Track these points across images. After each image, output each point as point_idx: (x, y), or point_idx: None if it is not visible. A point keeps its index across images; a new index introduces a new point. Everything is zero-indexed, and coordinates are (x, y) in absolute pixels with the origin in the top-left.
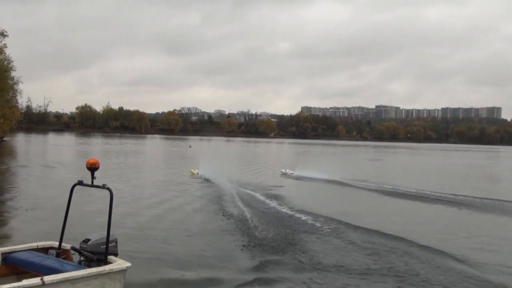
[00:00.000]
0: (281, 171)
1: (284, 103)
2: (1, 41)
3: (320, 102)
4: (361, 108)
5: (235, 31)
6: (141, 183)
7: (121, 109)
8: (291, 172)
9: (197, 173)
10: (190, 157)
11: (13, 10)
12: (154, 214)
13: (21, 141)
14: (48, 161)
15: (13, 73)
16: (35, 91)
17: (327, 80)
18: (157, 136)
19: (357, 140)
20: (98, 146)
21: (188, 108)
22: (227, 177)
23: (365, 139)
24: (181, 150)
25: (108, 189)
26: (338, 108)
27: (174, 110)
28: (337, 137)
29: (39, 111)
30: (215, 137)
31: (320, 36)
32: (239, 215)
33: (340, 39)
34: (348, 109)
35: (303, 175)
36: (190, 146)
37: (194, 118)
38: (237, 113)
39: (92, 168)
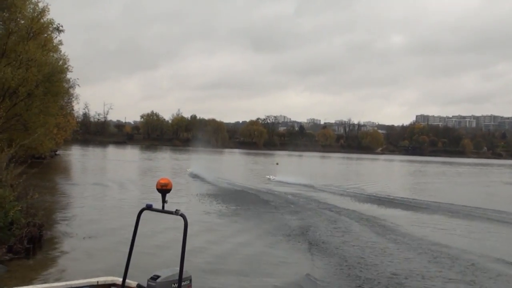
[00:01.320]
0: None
1: (395, 111)
2: (56, 37)
3: (440, 110)
4: (493, 118)
5: (337, 22)
6: (214, 209)
7: (194, 117)
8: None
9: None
10: (274, 177)
11: (71, 2)
12: (228, 249)
13: (76, 155)
14: (106, 179)
15: (69, 75)
16: (93, 97)
17: (451, 82)
18: (236, 150)
19: (487, 157)
20: (165, 162)
21: (275, 117)
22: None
23: (498, 156)
24: (264, 169)
25: (182, 215)
26: (464, 117)
27: (258, 119)
28: (462, 153)
29: (98, 119)
30: (307, 152)
31: (443, 27)
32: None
33: (469, 31)
34: (477, 118)
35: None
36: (276, 164)
37: (281, 129)
38: (335, 123)
39: (163, 190)
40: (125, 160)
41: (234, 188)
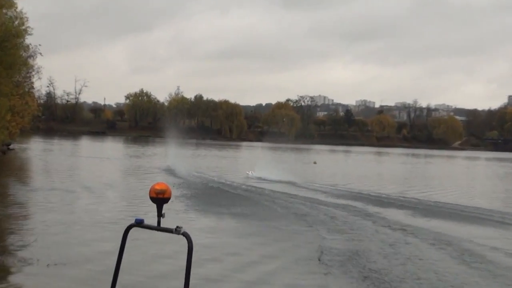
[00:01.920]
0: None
1: (479, 90)
2: None
3: None
4: None
5: None
6: (227, 224)
7: (199, 98)
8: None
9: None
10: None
11: None
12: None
13: (37, 150)
14: (77, 183)
15: (28, 39)
16: (62, 70)
17: None
18: (257, 144)
19: None
20: (158, 159)
21: (312, 98)
22: None
23: None
24: (296, 169)
25: (185, 234)
26: None
27: (288, 101)
28: None
29: (67, 101)
30: (357, 147)
31: None
32: None
33: None
34: None
35: None
36: (314, 163)
37: (321, 114)
38: (395, 107)
39: (159, 199)
40: (103, 157)
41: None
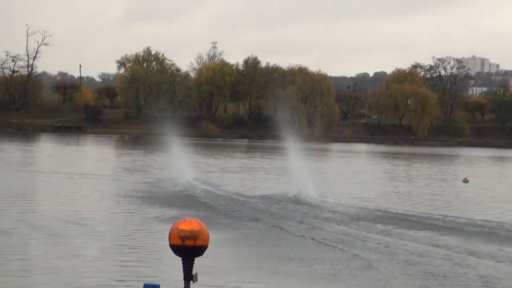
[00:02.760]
0: None
1: None
2: None
3: None
4: None
5: None
6: None
7: (254, 64)
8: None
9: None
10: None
11: None
12: None
13: None
14: (30, 222)
15: None
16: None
17: None
18: (362, 147)
19: None
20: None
21: (458, 61)
22: None
23: None
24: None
25: None
26: None
27: (415, 67)
28: None
29: (13, 72)
30: None
31: None
32: None
33: None
34: None
35: None
36: (465, 181)
37: (476, 91)
38: None
39: (189, 248)
40: (76, 173)
41: None
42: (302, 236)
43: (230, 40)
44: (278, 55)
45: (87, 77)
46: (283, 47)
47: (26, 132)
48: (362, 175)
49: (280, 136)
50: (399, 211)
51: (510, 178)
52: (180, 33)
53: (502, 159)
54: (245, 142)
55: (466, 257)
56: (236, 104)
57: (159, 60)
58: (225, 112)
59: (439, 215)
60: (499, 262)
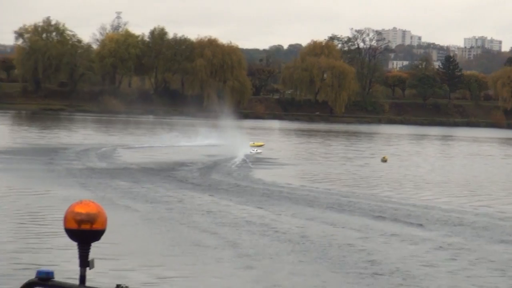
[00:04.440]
0: None
1: None
2: None
3: None
4: None
5: None
6: None
7: (160, 36)
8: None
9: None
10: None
11: None
12: None
13: None
14: None
15: None
16: None
17: None
18: (275, 124)
19: None
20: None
21: (378, 33)
22: None
23: None
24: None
25: None
26: None
27: (332, 39)
28: None
29: None
30: (468, 129)
31: None
32: None
33: None
34: None
35: None
36: (383, 160)
37: (397, 64)
38: None
39: (85, 233)
40: None
41: None
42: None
43: (138, 10)
44: (191, 26)
45: None
46: (195, 18)
47: None
48: (275, 153)
49: (188, 112)
50: (305, 189)
51: (430, 157)
52: (83, 2)
53: (422, 137)
54: (150, 118)
55: (364, 237)
56: (141, 78)
57: (60, 31)
58: (130, 86)
59: (347, 194)
60: (386, 242)
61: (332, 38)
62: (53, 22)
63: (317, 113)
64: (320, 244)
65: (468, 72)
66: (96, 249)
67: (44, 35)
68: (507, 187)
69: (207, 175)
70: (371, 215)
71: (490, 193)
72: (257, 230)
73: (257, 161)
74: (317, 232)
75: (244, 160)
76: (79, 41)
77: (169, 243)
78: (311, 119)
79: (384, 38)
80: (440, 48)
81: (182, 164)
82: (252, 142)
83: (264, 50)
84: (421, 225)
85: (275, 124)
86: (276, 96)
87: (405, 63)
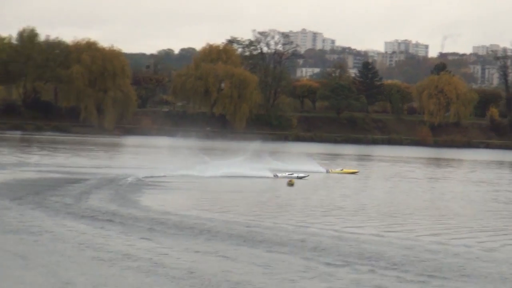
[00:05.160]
0: None
1: None
2: None
3: None
4: None
5: None
6: None
7: (30, 39)
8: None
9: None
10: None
11: None
12: None
13: None
14: None
15: None
16: None
17: None
18: (164, 142)
19: None
20: None
21: (284, 35)
22: None
23: None
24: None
25: None
26: None
27: (231, 42)
28: None
29: None
30: (388, 147)
31: None
32: None
33: None
34: None
35: None
36: (290, 184)
37: (306, 72)
38: (472, 56)
39: None
40: None
41: None
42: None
43: (4, 8)
44: (66, 27)
45: None
46: (72, 17)
47: None
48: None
49: (62, 127)
50: (201, 218)
51: (345, 179)
52: None
53: (335, 156)
54: (17, 134)
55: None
56: (7, 88)
57: None
58: None
59: (248, 223)
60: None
61: (231, 41)
62: None
63: (208, 128)
64: (214, 281)
65: (390, 81)
66: None
67: None
68: (433, 214)
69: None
70: (275, 246)
71: (409, 221)
72: (142, 266)
73: (143, 184)
74: (211, 267)
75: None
76: None
77: None
78: (206, 136)
79: (292, 42)
80: (357, 53)
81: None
82: (341, 169)
83: (152, 55)
84: (328, 263)
85: (164, 141)
86: (166, 109)
87: (316, 70)
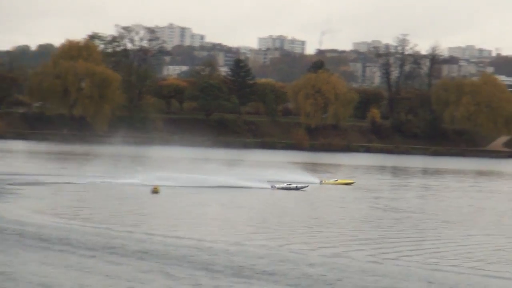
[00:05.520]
0: None
1: None
2: None
3: None
4: None
5: None
6: None
7: None
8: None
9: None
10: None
11: None
12: None
13: None
14: None
15: None
16: None
17: None
18: (17, 145)
19: None
20: None
21: (150, 30)
22: None
23: None
24: None
25: None
26: None
27: (93, 38)
28: None
29: None
30: (264, 151)
31: None
32: None
33: None
34: None
35: None
36: (155, 191)
37: (174, 70)
38: (353, 53)
39: None
40: None
41: None
42: None
43: None
44: None
45: None
46: None
47: None
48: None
49: None
50: (54, 227)
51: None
52: None
53: (204, 161)
54: None
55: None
56: None
57: None
58: None
59: (110, 233)
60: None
61: (92, 37)
62: None
63: (65, 131)
64: None
65: (263, 80)
66: None
67: None
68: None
69: None
70: (134, 257)
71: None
72: None
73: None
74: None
75: None
76: None
77: None
78: (64, 139)
79: (158, 38)
80: (228, 50)
81: None
82: (335, 180)
83: (7, 52)
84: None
85: (19, 145)
86: (22, 110)
87: (184, 68)
